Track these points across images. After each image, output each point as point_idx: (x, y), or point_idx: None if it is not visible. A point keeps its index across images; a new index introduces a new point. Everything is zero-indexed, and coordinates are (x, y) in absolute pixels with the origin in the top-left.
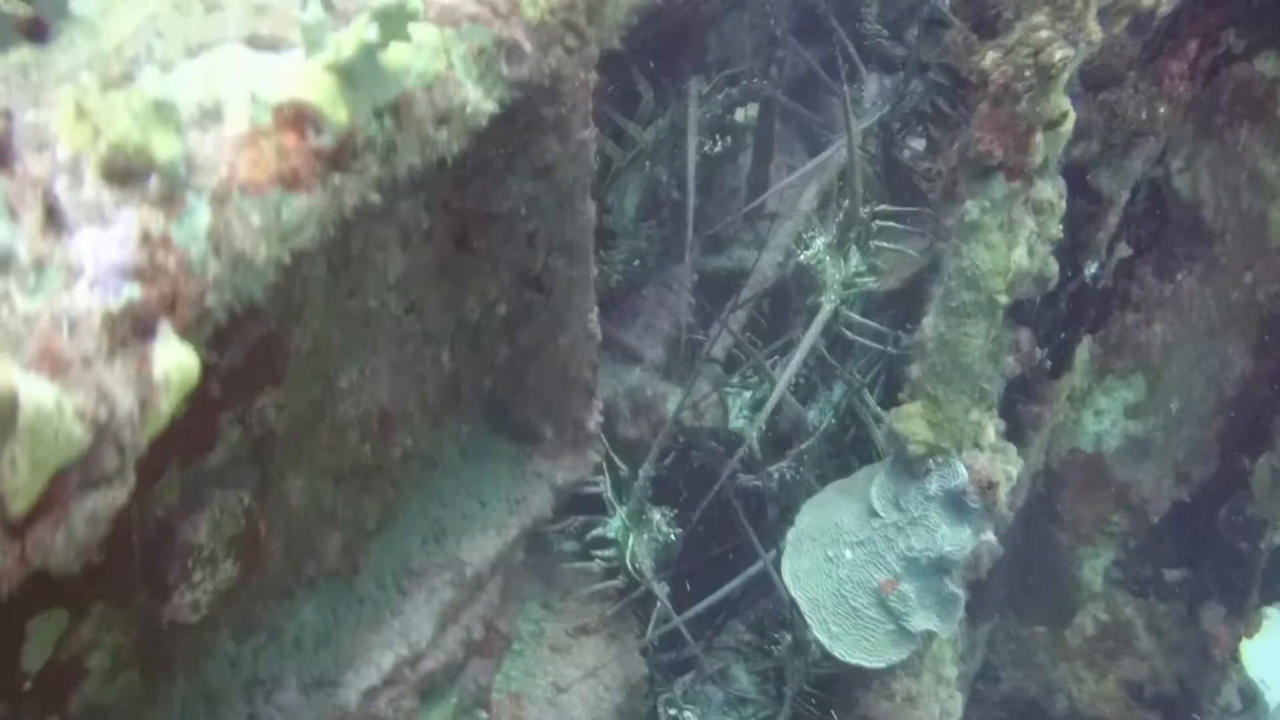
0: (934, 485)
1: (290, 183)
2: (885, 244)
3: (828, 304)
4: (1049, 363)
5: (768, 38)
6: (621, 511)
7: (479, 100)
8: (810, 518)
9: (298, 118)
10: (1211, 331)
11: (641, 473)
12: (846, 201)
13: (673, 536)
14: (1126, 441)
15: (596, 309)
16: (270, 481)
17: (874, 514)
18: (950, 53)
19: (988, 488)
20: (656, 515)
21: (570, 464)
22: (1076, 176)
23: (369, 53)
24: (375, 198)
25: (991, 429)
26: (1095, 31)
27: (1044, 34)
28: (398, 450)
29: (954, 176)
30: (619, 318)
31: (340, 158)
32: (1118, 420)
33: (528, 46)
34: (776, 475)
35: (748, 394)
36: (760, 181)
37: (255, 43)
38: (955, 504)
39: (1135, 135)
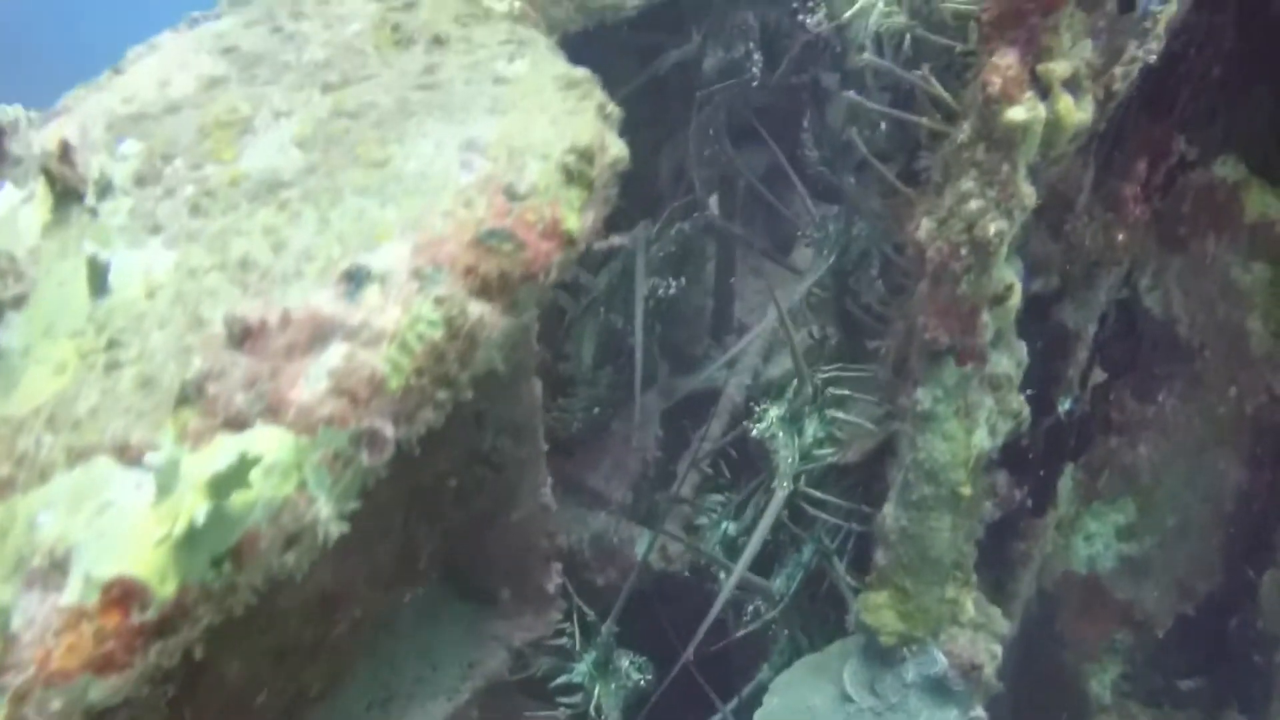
0: (911, 673)
1: (102, 667)
2: (841, 414)
3: (781, 490)
4: (1030, 501)
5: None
6: (589, 658)
7: (329, 518)
8: (780, 699)
9: (124, 595)
10: (1201, 448)
11: (605, 627)
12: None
13: (642, 683)
14: (1122, 562)
15: (550, 482)
16: (200, 671)
17: (848, 698)
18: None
19: (971, 669)
20: (625, 661)
21: (529, 624)
22: (1038, 312)
23: (207, 517)
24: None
25: (970, 602)
26: (1028, 196)
27: (974, 205)
28: (343, 625)
29: (903, 351)
30: (584, 459)
31: (165, 627)
32: (1110, 543)
33: (389, 431)
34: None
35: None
36: (725, 295)
37: (124, 455)
38: (937, 688)
39: (1095, 266)
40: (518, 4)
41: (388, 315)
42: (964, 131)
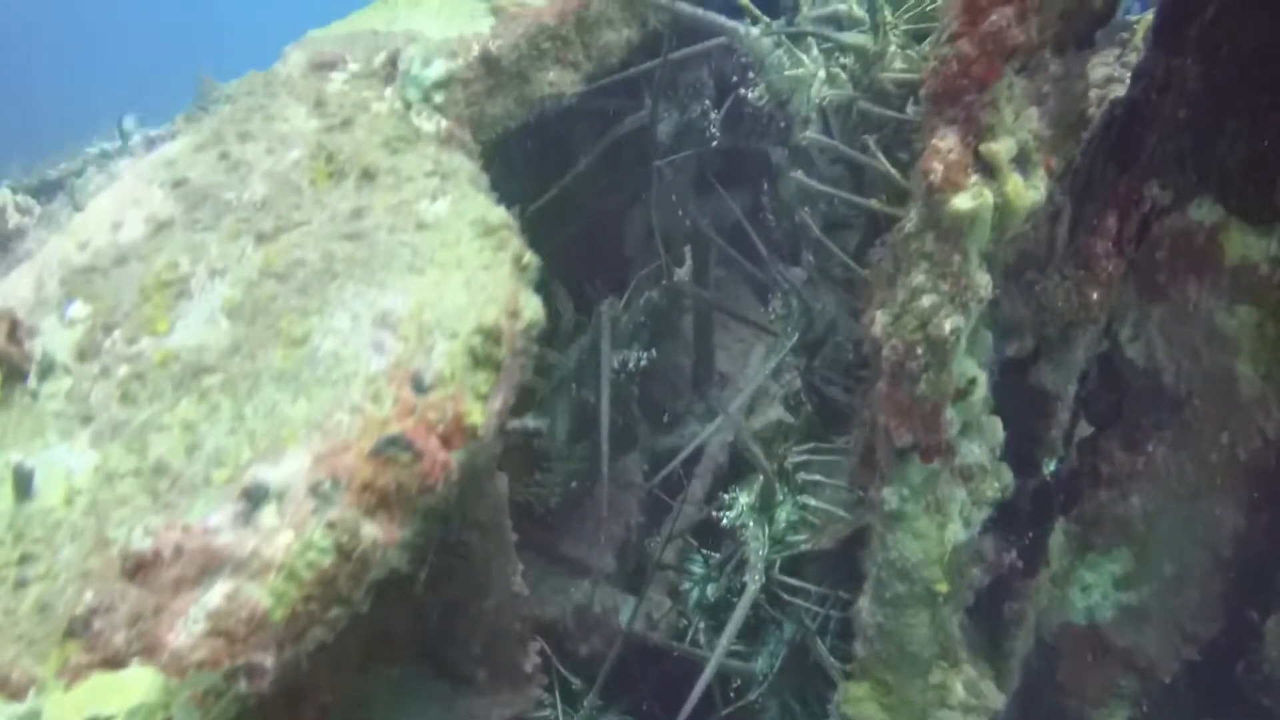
0: None
1: None
2: (813, 500)
3: (753, 584)
4: (1021, 562)
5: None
6: None
7: None
8: None
9: None
10: (1195, 495)
11: (588, 699)
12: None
13: None
14: (1121, 611)
15: (521, 570)
16: None
17: None
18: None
19: None
20: None
21: (507, 700)
22: (1014, 375)
23: None
24: None
25: (959, 684)
26: (983, 286)
27: (927, 301)
28: (311, 713)
29: (870, 441)
30: (564, 529)
31: None
32: (1108, 593)
33: (269, 662)
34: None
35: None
36: (705, 349)
37: (5, 687)
38: None
39: (1071, 326)
40: (444, 123)
41: (279, 542)
42: (911, 220)
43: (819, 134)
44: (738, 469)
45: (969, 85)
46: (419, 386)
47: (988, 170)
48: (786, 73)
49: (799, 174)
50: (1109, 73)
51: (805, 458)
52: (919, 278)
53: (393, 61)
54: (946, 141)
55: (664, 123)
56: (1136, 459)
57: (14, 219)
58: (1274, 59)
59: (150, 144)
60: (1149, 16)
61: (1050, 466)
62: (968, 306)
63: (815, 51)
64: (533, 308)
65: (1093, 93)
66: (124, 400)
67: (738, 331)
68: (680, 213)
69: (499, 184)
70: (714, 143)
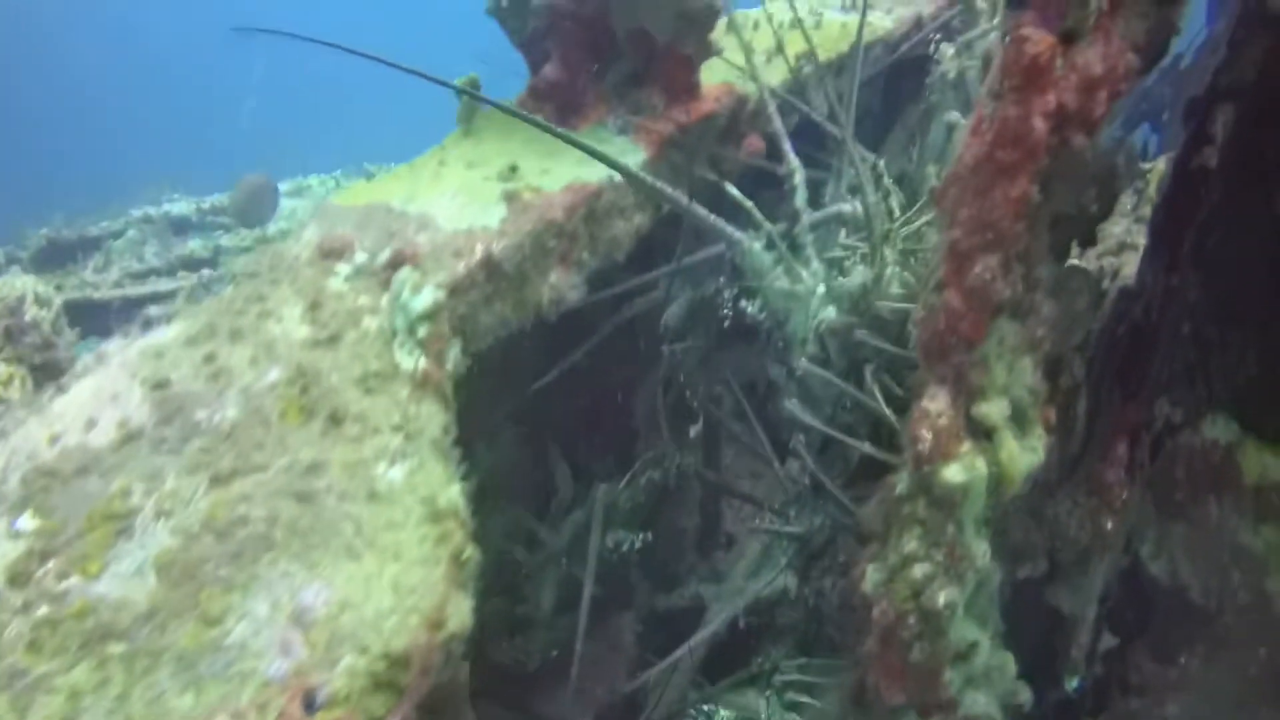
0: None
1: None
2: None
3: None
4: None
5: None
6: None
7: None
8: None
9: None
10: (1238, 704)
11: None
12: None
13: None
14: None
15: None
16: None
17: None
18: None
19: None
20: None
21: None
22: (1029, 597)
23: None
24: None
25: None
26: (981, 555)
27: (920, 570)
28: None
29: (861, 680)
30: (544, 688)
31: None
32: None
33: None
34: None
35: None
36: (712, 513)
37: None
38: None
39: (1086, 552)
40: (423, 363)
41: None
42: (902, 481)
43: (817, 354)
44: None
45: (956, 343)
46: (309, 705)
47: (981, 432)
48: (784, 289)
49: (794, 403)
50: (1123, 236)
51: (794, 675)
52: (911, 544)
53: (394, 264)
54: (936, 403)
55: (673, 309)
56: (1168, 670)
57: (30, 311)
58: (1273, 266)
59: (146, 326)
60: (1160, 165)
61: (1073, 684)
62: (964, 576)
63: (815, 264)
64: (460, 616)
65: (1106, 260)
66: (30, 648)
67: (754, 470)
68: (689, 393)
69: (508, 355)
70: (726, 323)
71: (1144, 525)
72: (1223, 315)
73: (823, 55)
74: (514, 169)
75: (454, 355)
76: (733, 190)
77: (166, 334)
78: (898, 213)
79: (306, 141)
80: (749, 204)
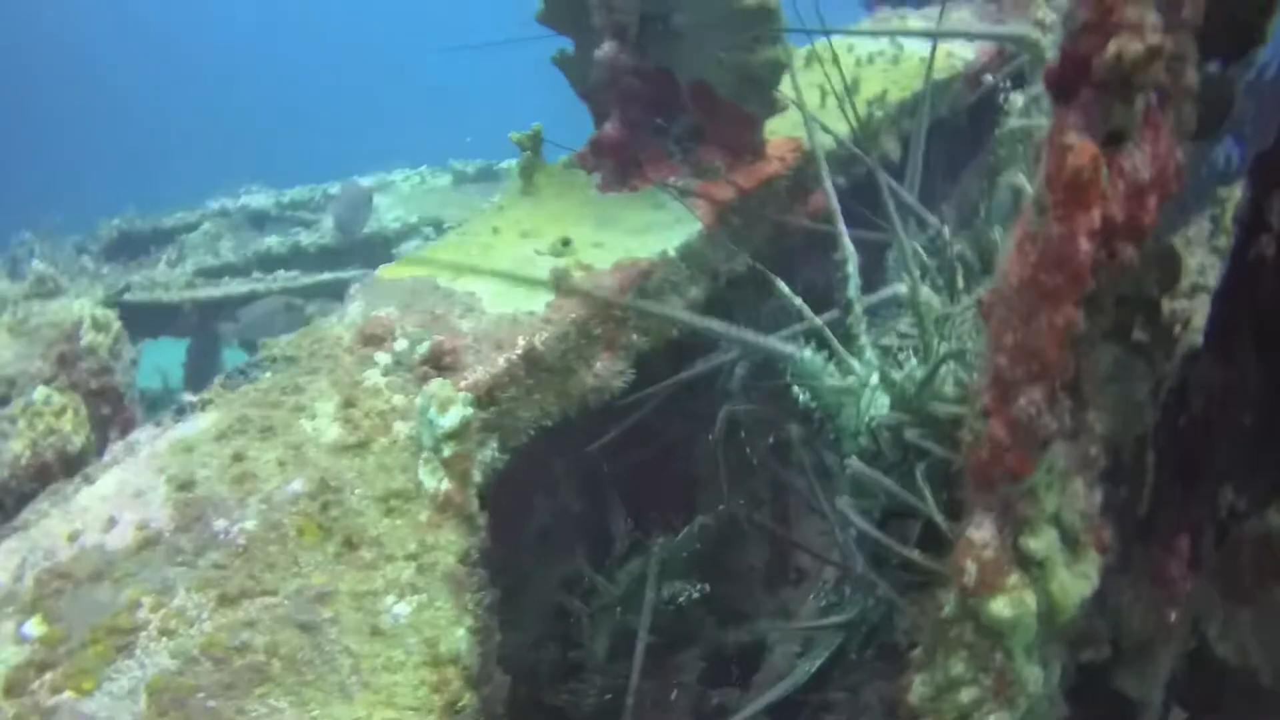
0: None
1: None
2: None
3: None
4: None
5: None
6: None
7: None
8: None
9: None
10: None
11: None
12: None
13: None
14: None
15: None
16: None
17: None
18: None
19: None
20: None
21: None
22: (1092, 679)
23: None
24: None
25: None
26: (1033, 681)
27: (967, 695)
28: None
29: None
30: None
31: None
32: None
33: None
34: None
35: None
36: (780, 552)
37: None
38: None
39: (1150, 641)
40: (447, 485)
41: None
42: (949, 603)
43: (869, 447)
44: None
45: (1001, 476)
46: None
47: (1029, 563)
48: (835, 384)
49: (845, 503)
50: (1195, 275)
51: None
52: (958, 667)
53: (434, 358)
54: (982, 533)
55: (739, 370)
56: None
57: (88, 337)
58: None
59: (179, 414)
60: (1238, 192)
61: None
62: (1015, 702)
63: (869, 354)
64: None
65: (1187, 281)
66: None
67: (820, 524)
68: (749, 449)
69: None
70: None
71: (1210, 609)
72: None
73: (898, 94)
74: (566, 243)
75: (489, 456)
76: (780, 285)
77: (198, 425)
78: (958, 291)
79: (392, 133)
80: (797, 301)
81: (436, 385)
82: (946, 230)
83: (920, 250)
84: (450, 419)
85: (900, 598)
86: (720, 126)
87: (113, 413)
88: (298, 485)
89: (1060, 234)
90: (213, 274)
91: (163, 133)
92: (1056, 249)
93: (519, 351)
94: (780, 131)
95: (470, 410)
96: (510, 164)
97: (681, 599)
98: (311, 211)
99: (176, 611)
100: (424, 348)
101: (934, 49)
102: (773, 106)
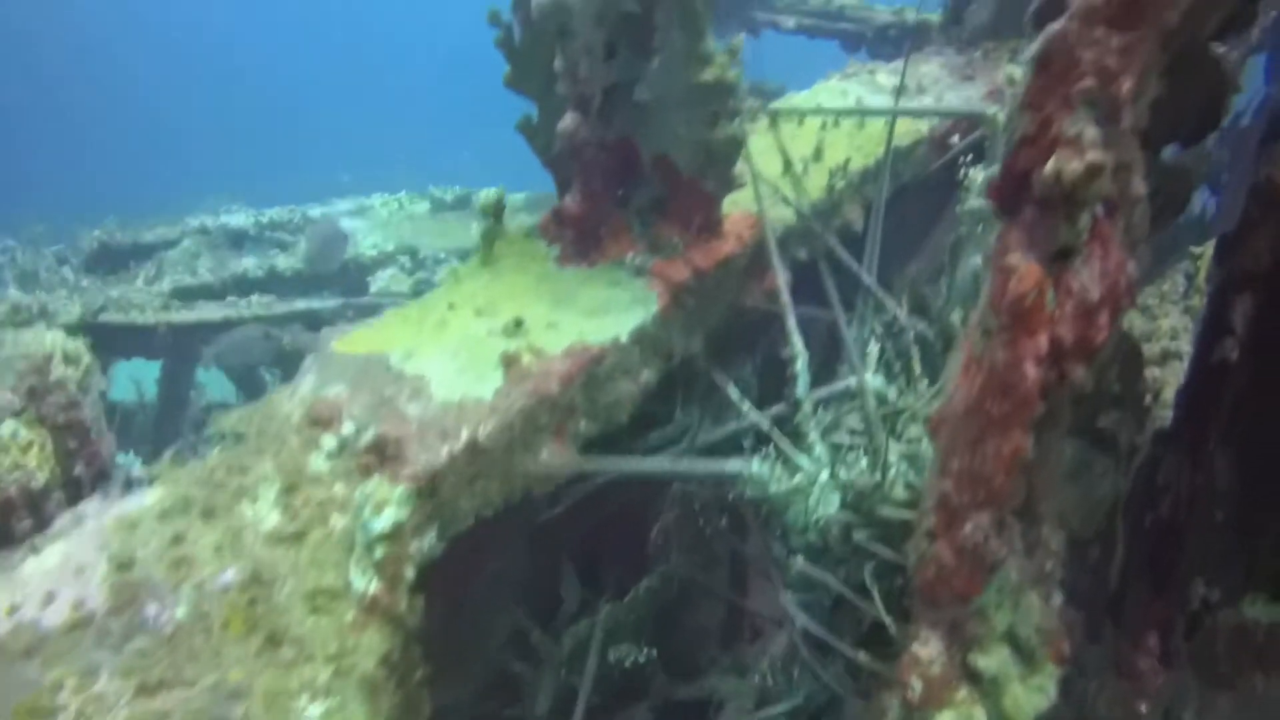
0: None
1: None
2: None
3: None
4: None
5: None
6: None
7: None
8: None
9: None
10: None
11: None
12: None
13: None
14: None
15: None
16: None
17: None
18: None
19: None
20: None
21: None
22: None
23: None
24: None
25: None
26: None
27: None
28: None
29: None
30: None
31: None
32: None
33: None
34: None
35: None
36: (736, 607)
37: None
38: None
39: None
40: (375, 587)
41: None
42: (893, 710)
43: (816, 542)
44: None
45: (950, 598)
46: None
47: (979, 678)
48: (783, 489)
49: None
50: (1168, 341)
51: None
52: None
53: (378, 449)
54: (928, 649)
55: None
56: None
57: (58, 370)
58: None
59: (129, 486)
60: (1209, 249)
61: None
62: None
63: (818, 450)
64: None
65: (1149, 372)
66: None
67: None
68: (702, 522)
69: None
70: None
71: (1185, 694)
72: (1257, 501)
73: (861, 160)
74: (519, 323)
75: (427, 546)
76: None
77: (144, 501)
78: (915, 377)
79: (374, 155)
80: (743, 403)
81: (374, 484)
82: (903, 313)
83: (876, 335)
84: (384, 522)
85: (847, 686)
86: (680, 201)
87: (79, 446)
88: (231, 575)
89: (1006, 360)
90: (190, 294)
91: (153, 134)
92: (1002, 375)
93: (462, 443)
94: (743, 202)
95: (405, 512)
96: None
97: (628, 662)
98: (290, 233)
99: (97, 696)
100: (369, 436)
101: (892, 125)
102: (731, 184)
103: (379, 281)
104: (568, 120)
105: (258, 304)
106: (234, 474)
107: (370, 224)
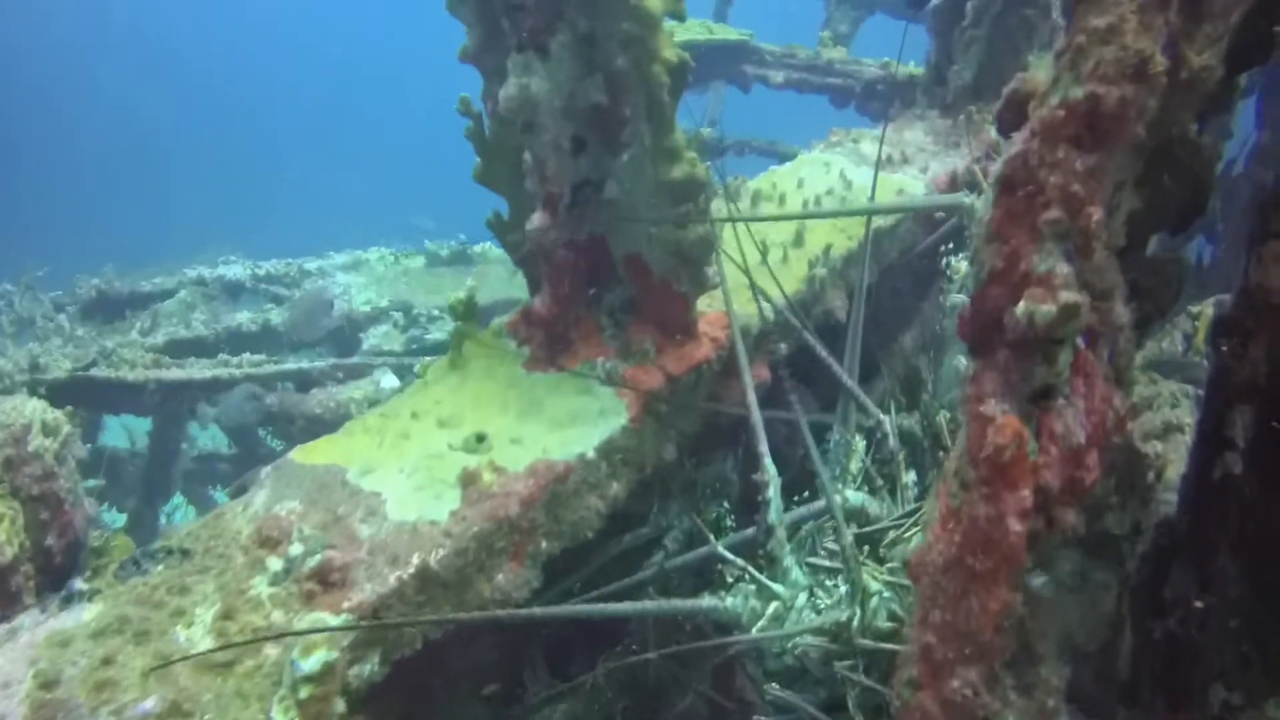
0: None
1: None
2: None
3: None
4: None
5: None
6: None
7: None
8: None
9: None
10: None
11: None
12: None
13: None
14: None
15: None
16: None
17: None
18: None
19: None
20: None
21: None
22: None
23: None
24: None
25: None
26: None
27: None
28: None
29: None
30: None
31: None
32: None
33: None
34: None
35: None
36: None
37: None
38: None
39: None
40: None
41: None
42: None
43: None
44: None
45: None
46: None
47: None
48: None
49: None
50: (1173, 390)
51: None
52: None
53: (321, 576)
54: None
55: (671, 536)
56: None
57: (35, 441)
58: None
59: (66, 601)
60: (1208, 310)
61: None
62: None
63: (794, 575)
64: None
65: (1151, 447)
66: None
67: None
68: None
69: None
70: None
71: None
72: (1273, 606)
73: (844, 244)
74: (481, 439)
75: (368, 671)
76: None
77: (80, 617)
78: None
79: (375, 210)
80: (714, 542)
81: (312, 618)
82: (887, 422)
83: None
84: (312, 664)
85: None
86: (653, 302)
87: (52, 517)
88: (151, 704)
89: (987, 515)
90: (183, 346)
91: (159, 181)
92: (984, 531)
93: (412, 570)
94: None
95: (335, 654)
96: (485, 247)
97: None
98: (285, 286)
99: None
100: (314, 561)
101: (869, 224)
102: (705, 284)
103: (371, 339)
104: (536, 220)
105: (248, 362)
106: (174, 593)
107: (365, 279)
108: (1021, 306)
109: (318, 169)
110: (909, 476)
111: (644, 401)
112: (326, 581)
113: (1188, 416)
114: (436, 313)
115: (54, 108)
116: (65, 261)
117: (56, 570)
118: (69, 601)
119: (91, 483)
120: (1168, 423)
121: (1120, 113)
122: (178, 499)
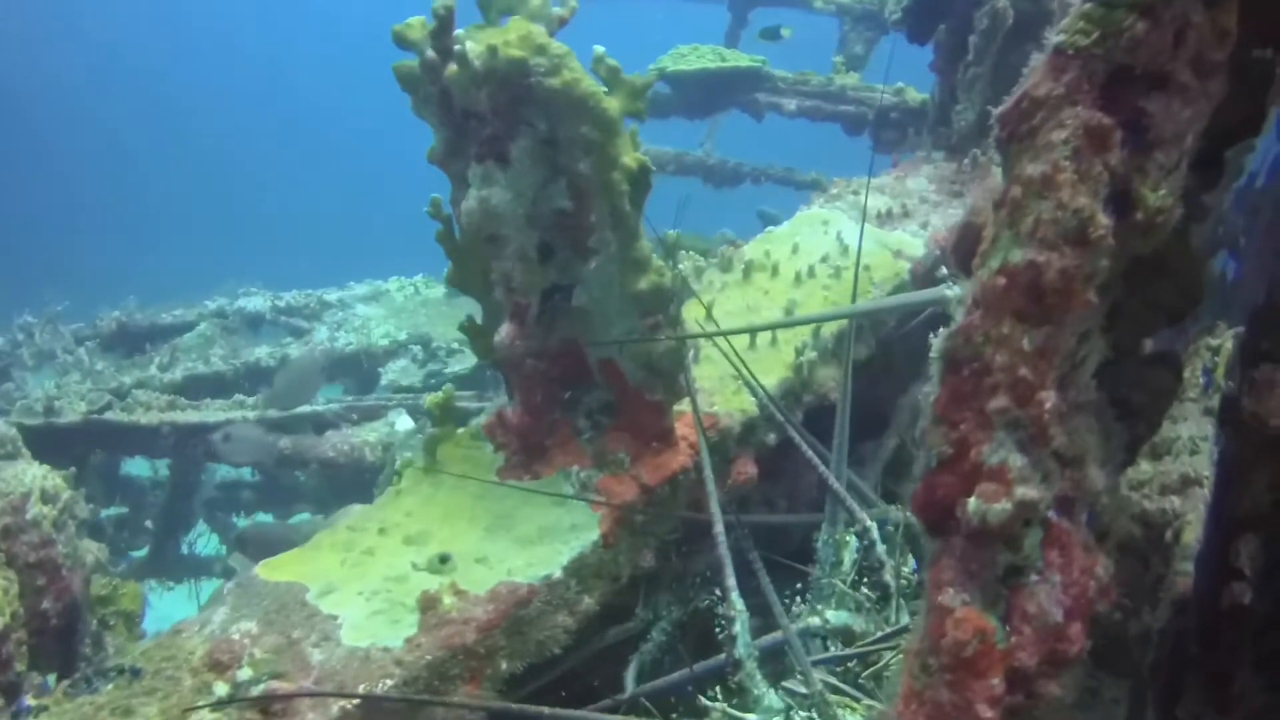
0: None
1: None
2: None
3: None
4: None
5: None
6: None
7: None
8: None
9: None
10: None
11: None
12: None
13: None
14: None
15: None
16: None
17: None
18: None
19: None
20: None
21: None
22: None
23: None
24: None
25: None
26: None
27: None
28: None
29: None
30: None
31: None
32: None
33: None
34: None
35: None
36: None
37: None
38: None
39: None
40: None
41: None
42: None
43: None
44: None
45: None
46: None
47: None
48: None
49: None
50: (1192, 433)
51: None
52: None
53: (264, 707)
54: None
55: (654, 633)
56: None
57: (34, 509)
58: None
59: (16, 717)
60: (1228, 344)
61: None
62: None
63: (769, 701)
64: None
65: (1168, 502)
66: None
67: None
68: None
69: None
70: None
71: None
72: None
73: (836, 322)
74: (444, 559)
75: None
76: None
77: None
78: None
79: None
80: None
81: None
82: (874, 529)
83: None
84: None
85: None
86: (629, 409)
87: (48, 583)
88: None
89: (954, 702)
90: (202, 382)
91: (179, 211)
92: (951, 717)
93: (356, 701)
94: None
95: None
96: None
97: None
98: (305, 319)
99: None
100: (258, 689)
101: (852, 326)
102: (680, 392)
103: (390, 373)
104: (504, 331)
105: (262, 404)
106: (117, 715)
107: (384, 310)
108: (973, 504)
109: (353, 192)
110: (908, 566)
111: (616, 517)
112: (268, 711)
113: (1206, 468)
114: (455, 345)
115: (78, 145)
116: (88, 294)
117: (53, 632)
118: (17, 719)
119: (113, 510)
120: (1185, 476)
121: (1065, 285)
122: (200, 526)
